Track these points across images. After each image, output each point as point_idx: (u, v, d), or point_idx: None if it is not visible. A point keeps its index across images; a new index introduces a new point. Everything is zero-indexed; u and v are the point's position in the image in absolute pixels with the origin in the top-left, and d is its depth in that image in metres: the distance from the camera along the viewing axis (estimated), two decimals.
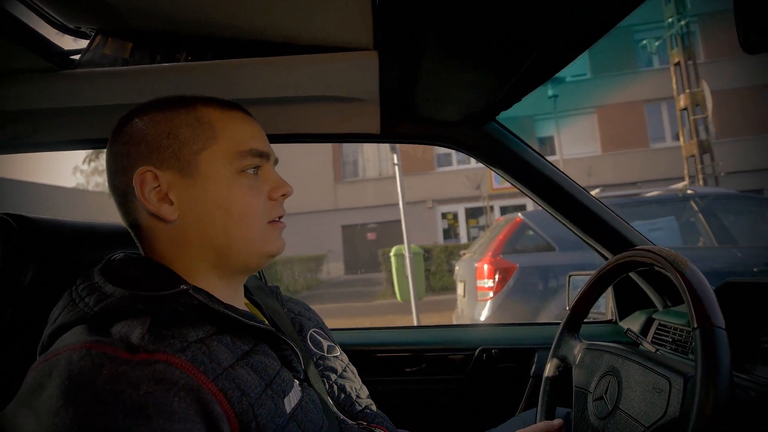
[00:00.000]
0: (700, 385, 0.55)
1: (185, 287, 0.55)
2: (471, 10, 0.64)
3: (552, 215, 1.20)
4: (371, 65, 0.84)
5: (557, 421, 0.79)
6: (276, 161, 0.69)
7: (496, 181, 14.18)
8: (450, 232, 15.13)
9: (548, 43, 0.74)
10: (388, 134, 1.14)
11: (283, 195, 0.66)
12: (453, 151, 14.69)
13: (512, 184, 1.18)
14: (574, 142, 14.27)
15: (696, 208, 3.81)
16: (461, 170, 14.74)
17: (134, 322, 0.50)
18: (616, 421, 0.67)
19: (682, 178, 9.13)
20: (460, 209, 14.86)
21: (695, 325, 0.59)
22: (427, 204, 14.60)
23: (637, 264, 0.79)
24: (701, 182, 9.10)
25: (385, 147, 15.16)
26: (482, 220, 14.46)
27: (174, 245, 0.61)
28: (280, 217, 0.67)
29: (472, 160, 1.24)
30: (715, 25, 13.24)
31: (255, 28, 0.76)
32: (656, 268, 0.71)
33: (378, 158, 15.43)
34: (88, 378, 0.43)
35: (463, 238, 14.41)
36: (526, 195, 1.19)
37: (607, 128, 14.29)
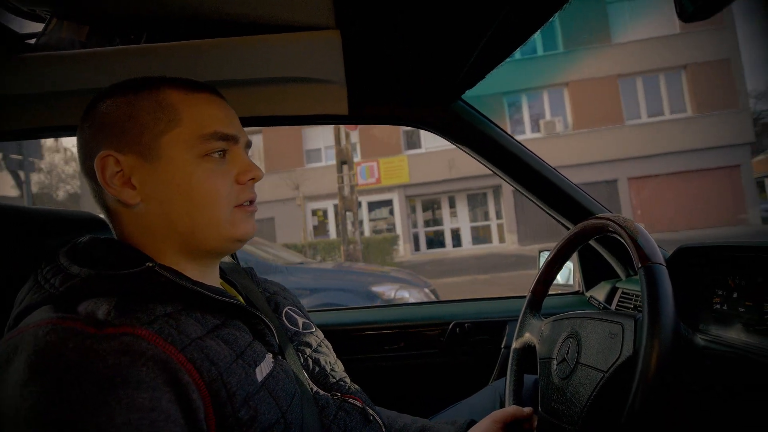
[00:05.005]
0: (647, 313, 0.59)
1: (151, 264, 0.55)
2: None
3: (518, 190, 1.24)
4: (334, 45, 0.84)
5: (527, 409, 0.81)
6: (248, 144, 0.67)
7: (362, 177, 14.27)
8: (320, 229, 15.36)
9: (506, 18, 0.76)
10: (357, 115, 1.15)
11: (251, 179, 0.64)
12: (322, 147, 14.85)
13: (479, 162, 1.21)
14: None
15: None
16: (331, 166, 14.58)
17: (100, 300, 0.51)
18: (577, 376, 0.70)
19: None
20: (329, 206, 14.95)
21: (638, 266, 0.64)
22: (297, 201, 14.41)
23: (594, 230, 0.82)
24: (340, 192, 9.04)
25: (267, 142, 14.83)
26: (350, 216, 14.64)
27: (140, 229, 0.61)
28: (251, 202, 0.66)
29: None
30: (572, 14, 13.41)
31: (214, 7, 0.75)
32: (608, 233, 0.74)
33: (260, 155, 15.07)
34: (54, 352, 0.44)
35: (332, 234, 14.69)
36: (492, 171, 1.22)
37: None
